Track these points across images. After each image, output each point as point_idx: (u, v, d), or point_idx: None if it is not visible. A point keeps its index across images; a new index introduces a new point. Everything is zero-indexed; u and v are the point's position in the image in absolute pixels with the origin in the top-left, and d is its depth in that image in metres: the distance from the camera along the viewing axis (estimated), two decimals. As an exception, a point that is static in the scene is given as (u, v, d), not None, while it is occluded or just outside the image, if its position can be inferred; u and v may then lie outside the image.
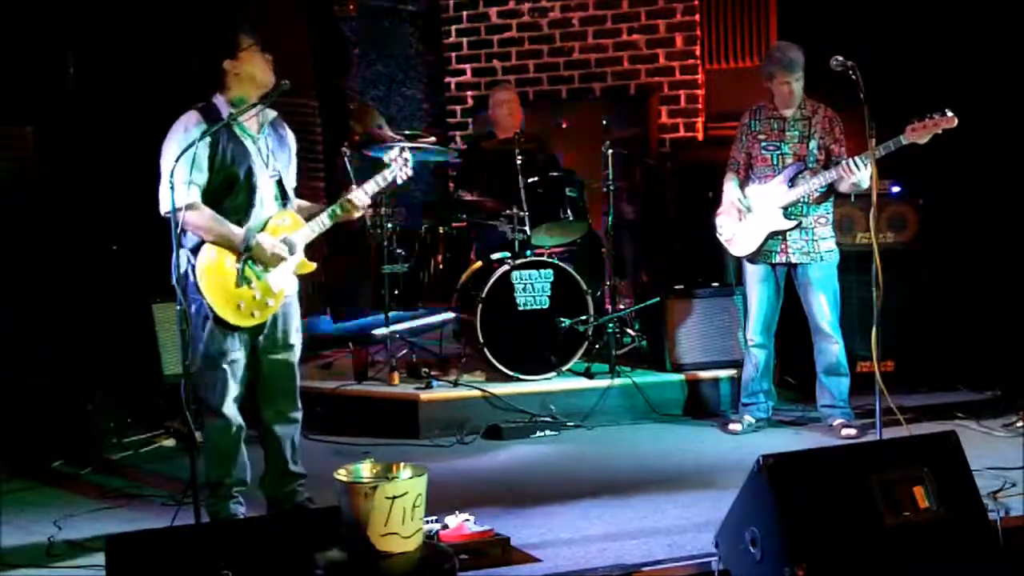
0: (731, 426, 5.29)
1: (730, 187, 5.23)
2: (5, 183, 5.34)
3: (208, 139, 3.78)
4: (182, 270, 3.81)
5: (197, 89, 3.96)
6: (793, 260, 5.11)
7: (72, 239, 5.34)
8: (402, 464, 3.30)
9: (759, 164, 5.17)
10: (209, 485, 4.00)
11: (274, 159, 4.00)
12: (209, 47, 3.95)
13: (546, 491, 4.44)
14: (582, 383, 5.65)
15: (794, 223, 5.05)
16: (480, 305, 5.50)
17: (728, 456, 4.86)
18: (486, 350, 5.52)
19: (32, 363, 5.06)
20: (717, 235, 5.32)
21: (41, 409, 5.04)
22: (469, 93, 7.90)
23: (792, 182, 5.05)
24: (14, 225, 5.18)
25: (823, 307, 5.09)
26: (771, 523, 3.07)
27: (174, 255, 3.57)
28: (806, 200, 5.06)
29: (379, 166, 4.31)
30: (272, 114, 4.04)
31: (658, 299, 5.85)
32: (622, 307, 6.25)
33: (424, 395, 5.45)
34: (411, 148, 4.41)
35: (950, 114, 4.57)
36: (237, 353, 3.93)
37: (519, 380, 5.58)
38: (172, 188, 3.58)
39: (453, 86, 7.96)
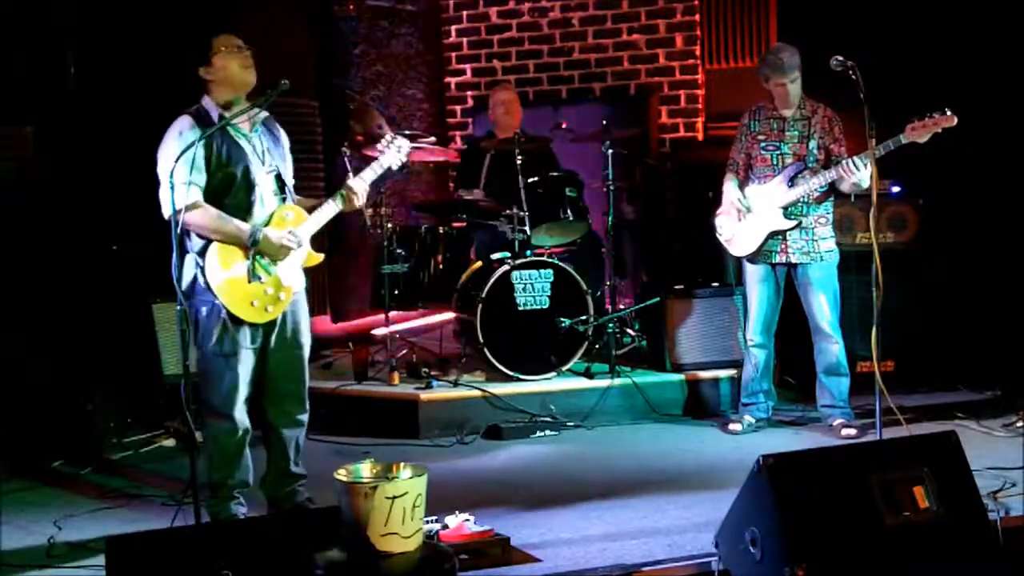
0: (731, 426, 5.29)
1: (730, 187, 5.23)
2: (5, 183, 5.34)
3: (203, 141, 3.79)
4: (190, 276, 3.83)
5: (191, 92, 3.98)
6: (793, 260, 5.11)
7: (72, 239, 5.34)
8: (402, 464, 3.30)
9: (759, 164, 5.17)
10: (211, 486, 3.99)
11: (270, 155, 4.02)
12: (187, 55, 3.97)
13: (546, 491, 4.44)
14: (582, 383, 5.65)
15: (794, 223, 5.05)
16: (480, 305, 5.50)
17: (728, 456, 4.86)
18: (486, 350, 5.52)
19: (32, 363, 5.06)
20: (717, 235, 5.33)
21: (41, 409, 5.04)
22: (469, 93, 7.90)
23: (792, 182, 5.05)
24: (14, 225, 5.18)
25: (823, 307, 5.09)
26: (771, 523, 3.07)
27: (174, 256, 3.57)
28: (806, 200, 5.06)
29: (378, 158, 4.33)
30: (263, 114, 4.05)
31: (658, 299, 5.85)
32: (622, 307, 6.25)
33: (424, 395, 5.45)
34: (405, 135, 4.42)
35: (950, 113, 4.58)
36: (248, 354, 3.93)
37: (519, 380, 5.58)
38: (172, 190, 3.58)
39: (453, 86, 7.96)
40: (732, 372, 5.70)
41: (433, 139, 6.19)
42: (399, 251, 5.80)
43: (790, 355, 5.72)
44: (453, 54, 7.92)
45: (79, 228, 5.38)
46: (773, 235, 5.10)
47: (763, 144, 5.16)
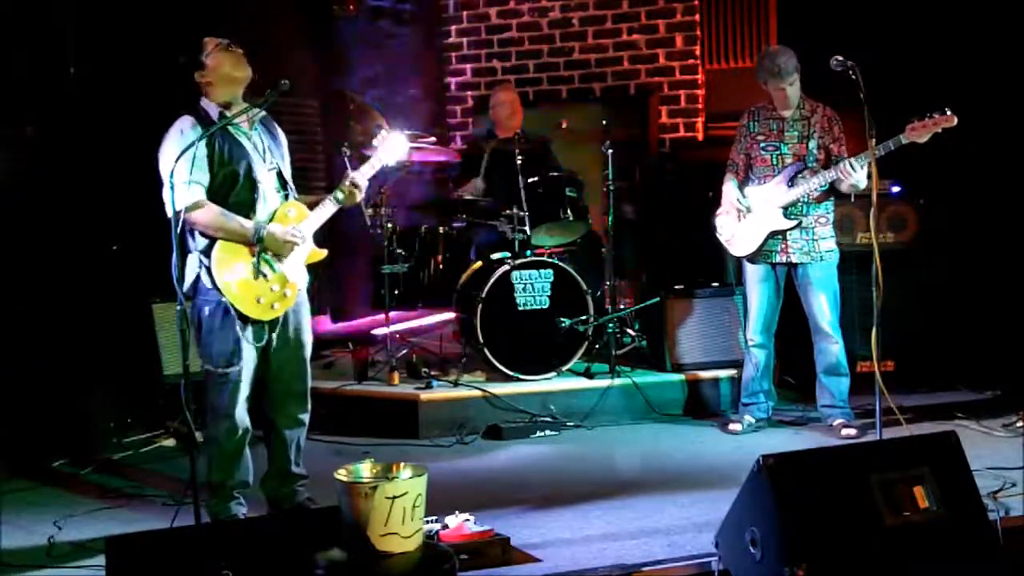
0: (731, 426, 5.29)
1: (729, 187, 5.23)
2: (5, 183, 5.34)
3: (205, 140, 3.80)
4: (192, 275, 3.84)
5: (190, 91, 3.99)
6: (793, 260, 5.11)
7: (72, 239, 5.34)
8: (402, 464, 3.30)
9: (758, 164, 5.17)
10: (211, 486, 4.00)
11: (270, 153, 4.03)
12: (179, 62, 3.98)
13: (546, 491, 4.44)
14: (582, 383, 5.65)
15: (794, 223, 5.05)
16: (480, 305, 5.50)
17: (728, 456, 4.86)
18: (486, 350, 5.52)
19: (32, 363, 5.06)
20: (717, 235, 5.33)
21: (41, 409, 5.04)
22: (469, 93, 7.90)
23: (792, 182, 5.05)
24: (14, 225, 5.18)
25: (823, 307, 5.09)
26: (771, 523, 3.07)
27: (174, 256, 3.57)
28: (806, 200, 5.06)
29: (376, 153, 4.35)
30: (261, 113, 4.07)
31: (658, 299, 5.85)
32: (622, 307, 6.25)
33: (424, 395, 5.45)
34: (405, 134, 4.44)
35: (949, 113, 4.58)
36: (252, 353, 3.93)
37: (519, 380, 5.58)
38: (172, 189, 3.58)
39: (453, 86, 7.96)
40: (732, 372, 5.70)
41: (433, 139, 6.19)
42: (399, 251, 5.81)
43: (790, 355, 5.72)
44: (453, 54, 7.92)
45: (79, 228, 5.38)
46: (773, 235, 5.10)
47: (763, 145, 5.16)
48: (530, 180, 5.81)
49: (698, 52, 7.31)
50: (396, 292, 5.81)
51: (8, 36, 5.31)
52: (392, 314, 5.84)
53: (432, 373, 5.70)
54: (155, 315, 5.39)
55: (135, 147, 4.60)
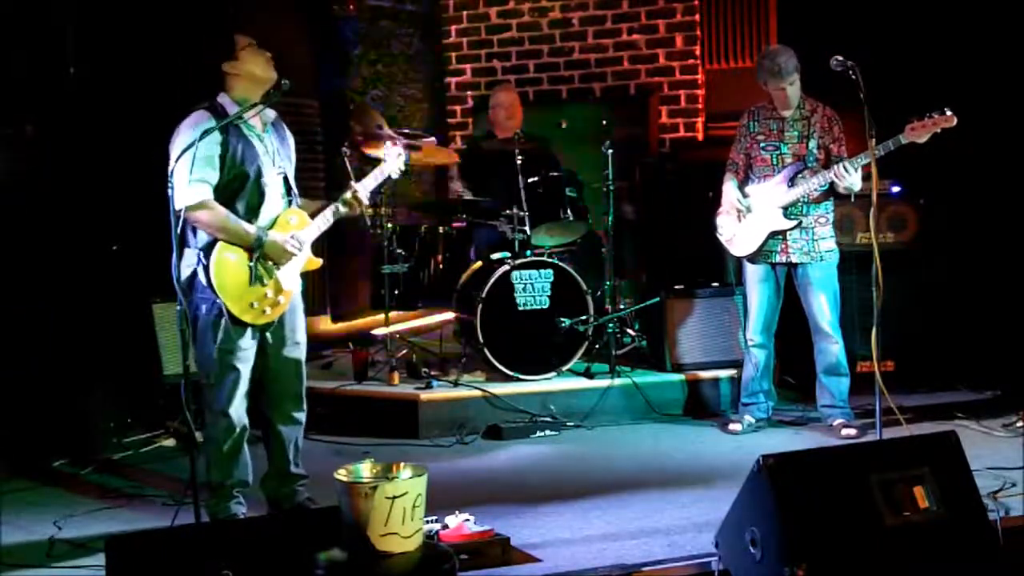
0: (731, 426, 5.29)
1: (729, 187, 5.23)
2: (5, 183, 5.34)
3: (219, 137, 3.81)
4: (189, 271, 3.84)
5: (200, 89, 3.98)
6: (793, 260, 5.11)
7: (72, 239, 5.34)
8: (402, 464, 3.30)
9: (758, 164, 5.17)
10: (210, 486, 4.00)
11: (279, 157, 4.03)
12: (208, 50, 3.97)
13: (546, 491, 4.44)
14: (582, 383, 5.65)
15: (794, 223, 5.06)
16: (480, 305, 5.50)
17: (728, 456, 4.86)
18: (486, 350, 5.52)
19: (32, 363, 5.06)
20: (717, 235, 5.33)
21: (41, 409, 5.04)
22: (469, 93, 7.90)
23: (792, 182, 5.05)
24: (14, 225, 5.18)
25: (823, 307, 5.09)
26: (771, 523, 3.07)
27: (174, 256, 3.57)
28: (806, 200, 5.06)
29: (378, 165, 4.36)
30: (272, 114, 4.08)
31: (658, 299, 5.86)
32: (622, 307, 6.25)
33: (424, 395, 5.45)
34: (405, 144, 4.45)
35: (949, 113, 4.58)
36: (248, 352, 3.94)
37: (519, 380, 5.58)
38: (173, 186, 3.58)
39: (453, 86, 7.96)
40: (732, 372, 5.70)
41: (433, 139, 6.19)
42: (399, 251, 5.81)
43: (790, 355, 5.72)
44: (453, 54, 7.92)
45: (79, 228, 5.38)
46: (773, 235, 5.10)
47: (763, 144, 5.16)
48: (530, 180, 5.81)
49: (698, 52, 7.31)
50: (396, 292, 5.81)
51: (8, 36, 5.31)
52: (392, 314, 5.84)
53: (432, 373, 5.70)
54: (155, 315, 5.39)
55: (135, 147, 4.61)
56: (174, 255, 3.58)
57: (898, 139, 4.66)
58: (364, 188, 4.17)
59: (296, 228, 4.02)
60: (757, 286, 5.21)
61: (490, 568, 3.56)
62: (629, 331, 6.14)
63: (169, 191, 3.67)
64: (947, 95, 4.81)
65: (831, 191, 5.06)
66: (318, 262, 4.14)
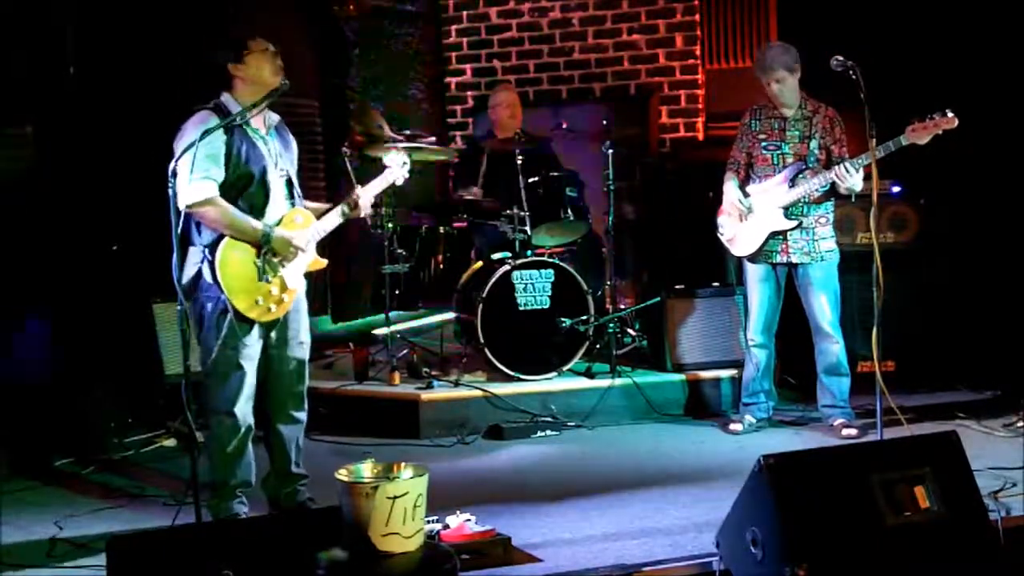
0: (732, 426, 5.29)
1: (730, 187, 5.23)
2: (5, 183, 5.34)
3: (223, 136, 3.81)
4: (193, 270, 3.84)
5: (200, 89, 3.98)
6: (794, 260, 5.11)
7: (72, 239, 5.34)
8: (403, 464, 3.30)
9: (759, 164, 5.17)
10: (213, 485, 4.00)
11: (281, 159, 4.04)
12: (214, 52, 3.97)
13: (546, 491, 4.44)
14: (583, 383, 5.65)
15: (794, 223, 5.05)
16: (480, 305, 5.50)
17: (728, 456, 4.86)
18: (487, 350, 5.52)
19: (32, 363, 5.06)
20: (718, 235, 5.33)
21: (42, 409, 5.04)
22: (469, 93, 7.90)
23: (792, 182, 5.05)
24: (14, 225, 5.18)
25: (824, 307, 5.09)
26: (772, 523, 3.07)
27: (175, 255, 3.57)
28: (806, 200, 5.06)
29: (379, 165, 4.37)
30: (276, 117, 4.10)
31: (659, 299, 5.86)
32: (622, 307, 6.25)
33: (425, 395, 5.45)
34: (409, 149, 4.47)
35: (950, 114, 4.57)
36: (253, 351, 3.95)
37: (520, 380, 5.58)
38: (175, 185, 3.58)
39: (453, 86, 7.96)
40: (733, 372, 5.70)
41: (433, 139, 6.18)
42: (399, 251, 5.80)
43: (791, 355, 5.72)
44: (453, 54, 7.92)
45: (79, 228, 5.38)
46: (774, 235, 5.10)
47: (764, 144, 5.16)
48: (530, 180, 5.81)
49: (698, 52, 7.31)
50: (396, 292, 5.81)
51: (8, 36, 5.32)
52: (392, 314, 5.84)
53: (433, 373, 5.70)
54: (156, 315, 5.39)
55: (135, 147, 4.61)
56: (175, 255, 3.57)
57: (899, 140, 4.66)
58: (368, 193, 4.21)
59: (301, 227, 4.03)
60: (758, 286, 5.21)
61: (491, 568, 3.56)
62: (630, 331, 6.14)
63: (170, 190, 3.65)
64: (948, 95, 4.81)
65: (832, 191, 5.06)
66: (323, 262, 4.15)
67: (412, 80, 7.98)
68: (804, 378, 5.64)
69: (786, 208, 5.06)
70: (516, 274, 5.60)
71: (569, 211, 5.82)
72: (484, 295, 5.50)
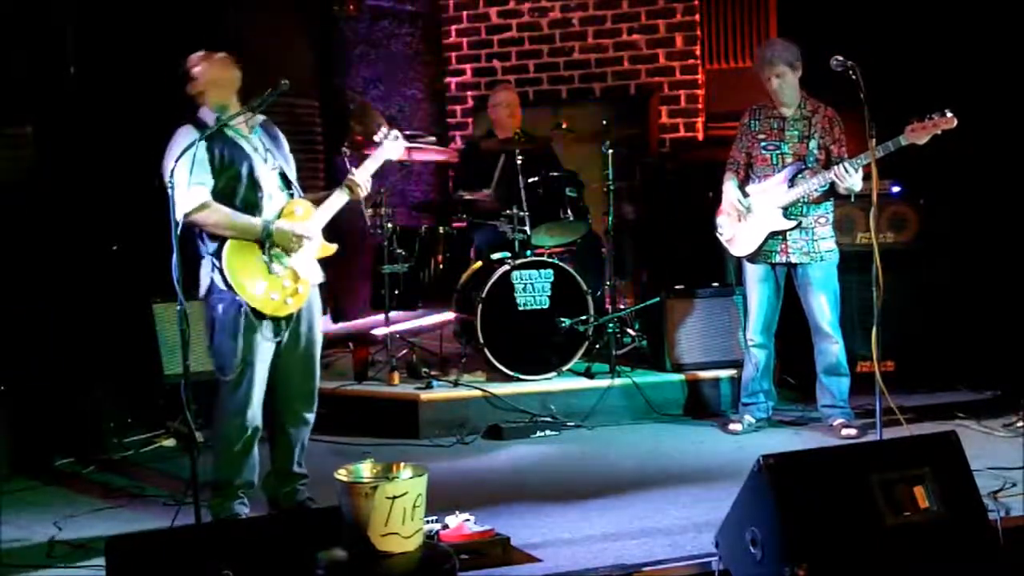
0: (731, 426, 5.29)
1: (729, 187, 5.23)
2: (5, 183, 5.34)
3: (204, 145, 3.82)
4: (207, 280, 3.86)
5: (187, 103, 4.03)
6: (793, 260, 5.11)
7: (72, 239, 5.34)
8: (402, 464, 3.30)
9: (759, 164, 5.17)
10: (216, 484, 4.00)
11: (271, 155, 4.05)
12: (170, 83, 4.03)
13: (546, 491, 4.44)
14: (582, 383, 5.65)
15: (794, 223, 5.05)
16: (480, 305, 5.50)
17: (728, 456, 4.86)
18: (486, 350, 5.52)
19: (32, 363, 5.06)
20: (717, 235, 5.33)
21: (42, 409, 5.04)
22: (469, 93, 7.90)
23: (791, 182, 5.05)
24: (14, 225, 5.18)
25: (823, 307, 5.09)
26: (771, 523, 3.07)
27: (174, 257, 3.57)
28: (805, 200, 5.06)
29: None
30: (260, 117, 4.09)
31: (658, 299, 5.85)
32: (622, 307, 6.25)
33: (424, 395, 5.45)
34: (405, 135, 4.47)
35: (949, 115, 4.57)
36: (267, 352, 3.95)
37: (519, 380, 5.58)
38: (173, 191, 3.59)
39: (453, 86, 7.96)
40: (732, 372, 5.69)
41: (433, 139, 6.19)
42: (399, 251, 5.80)
43: (790, 355, 5.72)
44: (453, 54, 7.92)
45: (79, 228, 5.38)
46: (773, 235, 5.10)
47: (763, 143, 5.16)
48: (530, 180, 5.81)
49: (698, 52, 7.31)
50: (396, 292, 5.81)
51: (8, 36, 5.32)
52: (392, 314, 5.84)
53: (432, 373, 5.70)
54: (156, 315, 5.39)
55: (135, 147, 4.61)
56: (175, 256, 3.57)
57: (898, 140, 4.66)
58: (364, 173, 4.18)
59: (302, 218, 4.03)
60: (757, 286, 5.21)
61: (490, 568, 3.56)
62: (629, 331, 6.14)
63: (170, 198, 3.66)
64: (947, 95, 4.81)
65: (831, 191, 5.06)
66: (332, 248, 4.14)
67: (412, 80, 7.98)
68: (803, 378, 5.64)
69: (785, 208, 5.06)
70: (516, 274, 5.60)
71: (569, 211, 5.82)
72: (484, 295, 5.50)
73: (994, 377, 5.78)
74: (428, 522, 3.54)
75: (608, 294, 5.97)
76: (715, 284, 5.86)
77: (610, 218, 5.86)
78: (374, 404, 5.56)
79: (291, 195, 4.09)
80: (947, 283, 5.93)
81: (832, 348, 5.12)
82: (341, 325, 7.00)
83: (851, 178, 4.84)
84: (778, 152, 5.13)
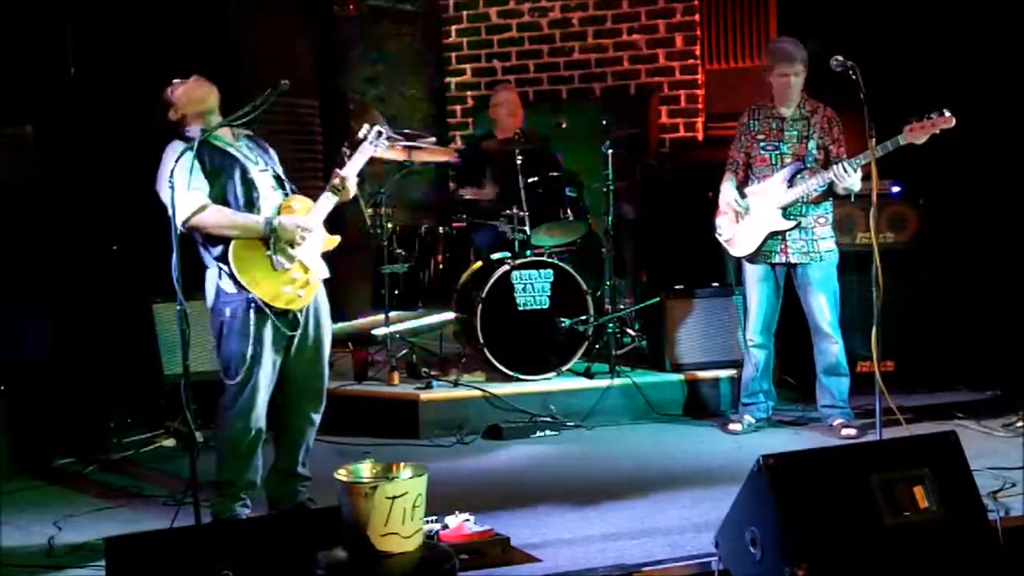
0: (731, 426, 5.29)
1: (727, 187, 5.23)
2: (5, 183, 5.34)
3: (191, 155, 3.81)
4: (214, 286, 3.86)
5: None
6: (793, 260, 5.11)
7: (72, 239, 5.34)
8: (402, 464, 3.31)
9: (758, 164, 5.17)
10: (218, 484, 3.99)
11: (261, 159, 4.09)
12: (153, 117, 4.05)
13: (546, 491, 4.44)
14: (582, 383, 5.65)
15: (793, 223, 5.05)
16: (480, 305, 5.50)
17: (728, 456, 4.86)
18: (486, 350, 5.52)
19: (32, 363, 5.06)
20: (717, 236, 5.33)
21: (42, 409, 5.04)
22: (469, 93, 7.90)
23: (791, 182, 5.05)
24: (14, 225, 5.18)
25: (823, 307, 5.09)
26: (771, 523, 3.07)
27: (174, 257, 3.57)
28: (805, 200, 5.06)
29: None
30: (245, 132, 4.12)
31: (658, 299, 5.86)
32: (622, 307, 6.25)
33: (424, 395, 5.45)
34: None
35: (948, 114, 4.58)
36: (276, 354, 3.94)
37: (519, 380, 5.58)
38: (174, 201, 3.60)
39: (453, 86, 7.96)
40: (732, 372, 5.69)
41: (433, 139, 6.19)
42: (399, 251, 5.80)
43: (790, 355, 5.72)
44: (453, 54, 7.92)
45: (79, 228, 5.38)
46: (772, 235, 5.10)
47: (762, 143, 5.16)
48: (530, 180, 5.81)
49: (698, 52, 7.31)
50: (396, 292, 5.81)
51: (8, 36, 5.32)
52: (392, 314, 5.84)
53: (432, 373, 5.70)
54: (156, 315, 5.39)
55: (135, 147, 4.60)
56: (174, 257, 3.57)
57: (897, 140, 4.66)
58: (350, 171, 4.15)
59: (301, 212, 4.03)
60: (756, 286, 5.21)
61: (490, 568, 3.56)
62: (629, 331, 6.14)
63: (174, 207, 3.64)
64: (947, 95, 4.81)
65: (830, 191, 5.06)
66: (336, 239, 4.15)
67: (412, 80, 7.98)
68: (803, 378, 5.64)
69: (784, 208, 5.06)
70: (515, 274, 5.60)
71: (568, 211, 5.82)
72: (483, 295, 5.50)
73: (994, 377, 5.78)
74: (428, 522, 3.54)
75: (608, 294, 5.97)
76: (715, 284, 5.86)
77: (610, 218, 5.86)
78: (374, 404, 5.56)
79: (286, 194, 4.09)
80: (947, 283, 5.93)
81: (832, 348, 5.12)
82: (341, 325, 6.99)
83: (850, 178, 4.84)
84: (777, 152, 5.13)
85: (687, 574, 3.49)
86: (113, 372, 5.29)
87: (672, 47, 7.37)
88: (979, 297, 5.90)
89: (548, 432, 5.37)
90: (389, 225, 5.78)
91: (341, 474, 3.22)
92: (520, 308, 5.62)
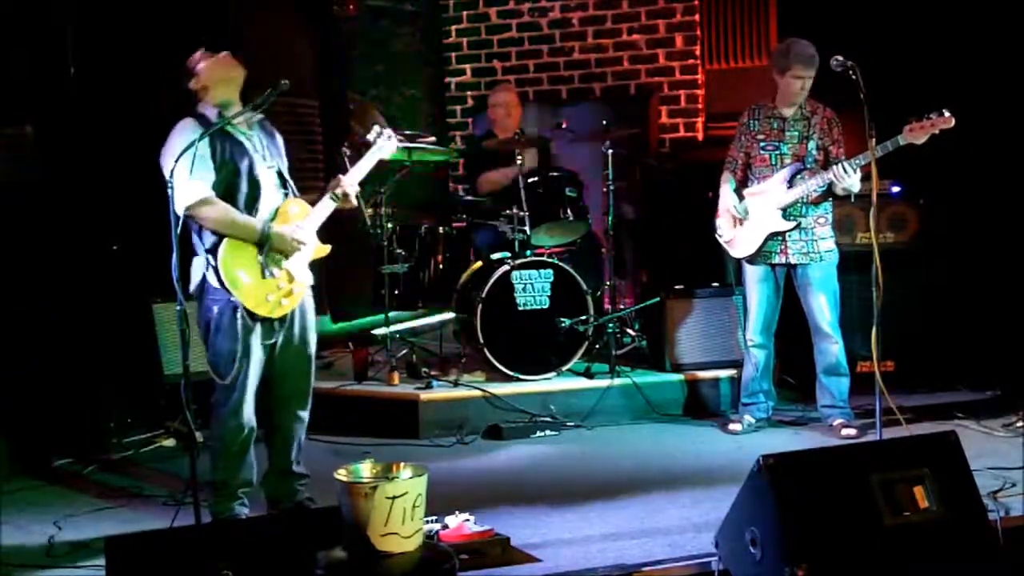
0: (731, 426, 5.29)
1: (725, 191, 5.24)
2: (5, 183, 5.34)
3: (207, 140, 3.82)
4: (198, 276, 3.86)
5: (190, 92, 4.03)
6: (792, 260, 5.11)
7: (72, 239, 5.33)
8: (402, 464, 3.31)
9: (757, 164, 5.17)
10: (214, 485, 4.00)
11: (268, 154, 4.06)
12: (173, 80, 4.04)
13: (546, 491, 4.44)
14: (582, 383, 5.65)
15: (793, 224, 5.05)
16: (480, 305, 5.50)
17: (728, 456, 4.86)
18: (486, 350, 5.52)
19: (32, 363, 5.05)
20: (717, 236, 5.33)
21: (42, 409, 5.04)
22: (469, 93, 7.90)
23: (791, 183, 5.05)
24: (14, 225, 5.18)
25: (823, 307, 5.09)
26: (771, 523, 3.07)
27: (174, 256, 3.57)
28: (805, 200, 5.06)
29: (379, 165, 4.36)
30: (258, 116, 4.09)
31: (658, 299, 5.86)
32: (622, 307, 6.25)
33: (424, 395, 5.45)
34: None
35: (947, 114, 4.58)
36: (260, 352, 3.95)
37: (519, 380, 5.58)
38: (172, 188, 3.59)
39: (453, 86, 7.96)
40: (732, 372, 5.70)
41: (433, 139, 6.19)
42: (399, 251, 5.80)
43: (790, 355, 5.72)
44: (453, 54, 7.93)
45: (79, 228, 5.37)
46: (772, 236, 5.10)
47: (762, 144, 5.16)
48: (530, 180, 5.81)
49: (698, 52, 7.31)
50: (396, 292, 5.81)
51: (8, 36, 5.31)
52: (392, 314, 5.84)
53: (432, 373, 5.70)
54: (156, 315, 5.39)
55: (135, 147, 4.60)
56: (174, 256, 3.57)
57: (896, 140, 4.66)
58: (352, 177, 4.15)
59: (298, 218, 4.03)
60: (756, 286, 5.21)
61: (490, 568, 3.56)
62: (629, 331, 6.14)
63: (169, 193, 3.66)
64: (947, 95, 4.81)
65: (830, 192, 5.05)
66: (326, 249, 4.15)
67: (412, 80, 7.98)
68: (803, 378, 5.64)
69: (784, 209, 5.06)
70: (515, 274, 5.61)
71: (568, 211, 5.82)
72: (483, 295, 5.50)
73: (994, 377, 5.78)
74: (428, 522, 3.55)
75: (608, 294, 5.97)
76: (715, 284, 5.86)
77: (610, 218, 5.87)
78: (374, 404, 5.56)
79: (286, 194, 4.09)
80: (947, 283, 5.93)
81: (832, 348, 5.12)
82: (341, 325, 6.99)
83: (849, 178, 4.83)
84: (777, 152, 5.13)
85: (687, 574, 3.49)
86: (113, 372, 5.29)
87: (672, 47, 7.37)
88: (979, 297, 5.90)
89: (548, 432, 5.37)
90: (389, 225, 5.79)
91: (341, 474, 3.22)
92: (520, 308, 5.62)
